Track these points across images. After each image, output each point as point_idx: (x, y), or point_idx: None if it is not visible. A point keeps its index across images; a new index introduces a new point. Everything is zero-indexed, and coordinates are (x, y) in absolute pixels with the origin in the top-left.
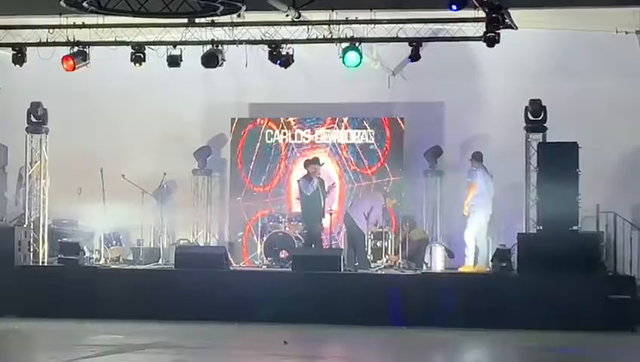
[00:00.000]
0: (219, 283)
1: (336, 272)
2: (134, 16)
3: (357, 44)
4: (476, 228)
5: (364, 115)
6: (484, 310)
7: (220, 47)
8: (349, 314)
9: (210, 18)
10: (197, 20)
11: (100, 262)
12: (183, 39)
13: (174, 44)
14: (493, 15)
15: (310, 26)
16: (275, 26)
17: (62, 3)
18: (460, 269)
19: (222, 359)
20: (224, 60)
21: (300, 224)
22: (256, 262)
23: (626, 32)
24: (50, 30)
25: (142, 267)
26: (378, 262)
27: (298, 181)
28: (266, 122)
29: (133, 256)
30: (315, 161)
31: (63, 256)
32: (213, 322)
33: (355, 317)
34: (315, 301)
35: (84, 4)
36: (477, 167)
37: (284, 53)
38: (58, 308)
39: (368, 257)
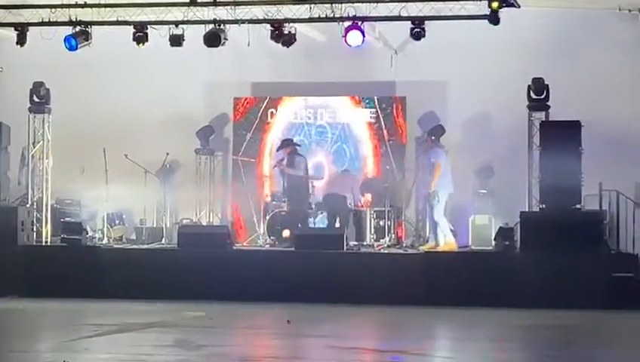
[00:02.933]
0: (222, 262)
1: (339, 251)
2: None
3: (359, 22)
4: (442, 206)
5: (367, 93)
6: (488, 288)
7: (222, 26)
8: (352, 293)
9: None
10: (199, 0)
11: (103, 242)
12: (185, 18)
13: (176, 23)
14: None
15: (312, 5)
16: (277, 5)
17: None
18: (429, 248)
19: (225, 338)
20: (226, 40)
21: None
22: (258, 242)
23: (629, 10)
24: (52, 10)
25: (145, 246)
26: (381, 240)
27: (282, 162)
28: (267, 100)
29: (136, 235)
30: (287, 142)
31: (65, 236)
32: (217, 301)
33: (359, 296)
34: (318, 280)
35: None
36: (439, 146)
37: (286, 32)
38: (61, 287)
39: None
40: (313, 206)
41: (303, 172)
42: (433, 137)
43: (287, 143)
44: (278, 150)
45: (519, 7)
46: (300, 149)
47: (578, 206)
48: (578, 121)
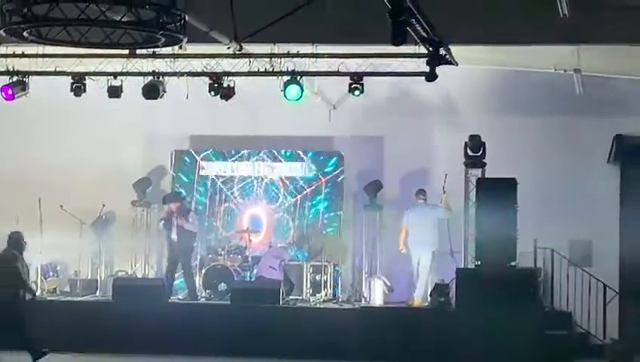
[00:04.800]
0: (157, 315)
1: (275, 305)
2: (75, 47)
3: (298, 77)
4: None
5: (305, 147)
6: (423, 345)
7: (161, 78)
8: (288, 347)
9: (152, 49)
10: (138, 51)
11: (37, 294)
12: (124, 70)
13: (115, 74)
14: (434, 51)
15: (252, 59)
16: (216, 58)
17: (1, 32)
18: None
19: None
20: (165, 92)
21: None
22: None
23: (565, 71)
24: None
25: (79, 299)
26: (317, 295)
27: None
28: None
29: (70, 287)
30: (174, 197)
31: None
32: (151, 355)
33: (294, 350)
34: (254, 334)
35: (25, 33)
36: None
37: (225, 85)
38: None
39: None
40: (250, 259)
41: (196, 229)
42: (419, 195)
43: (176, 198)
44: (165, 203)
45: (457, 64)
46: (188, 203)
47: (513, 263)
48: (514, 178)
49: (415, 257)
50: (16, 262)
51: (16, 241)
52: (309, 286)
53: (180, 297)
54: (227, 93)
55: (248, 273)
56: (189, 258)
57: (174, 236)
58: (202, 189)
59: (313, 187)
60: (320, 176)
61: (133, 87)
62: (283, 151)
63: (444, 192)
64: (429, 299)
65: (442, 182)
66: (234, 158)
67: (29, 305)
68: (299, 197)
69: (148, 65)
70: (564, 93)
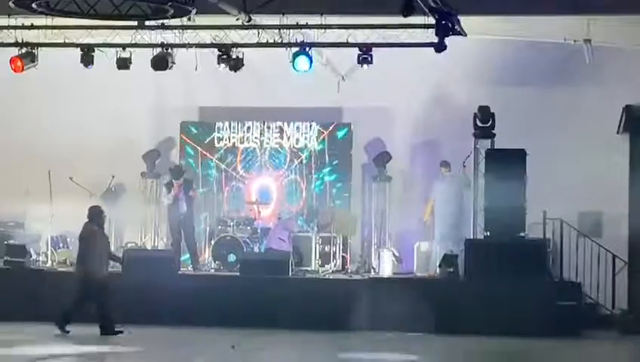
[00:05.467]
0: (166, 286)
1: (284, 276)
2: (84, 18)
3: (307, 48)
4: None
5: (314, 119)
6: (431, 315)
7: (169, 50)
8: (297, 318)
9: (161, 21)
10: (147, 23)
11: (47, 265)
12: (133, 42)
13: (124, 46)
14: (443, 22)
15: (261, 30)
16: (225, 30)
17: (10, 4)
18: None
19: None
20: (174, 63)
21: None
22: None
23: (574, 41)
24: None
25: None
26: (326, 266)
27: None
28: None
29: None
30: (177, 171)
31: (9, 258)
32: (160, 326)
33: (303, 321)
34: (263, 305)
35: (33, 5)
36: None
37: (234, 56)
38: (4, 310)
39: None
40: (259, 231)
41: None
42: (446, 166)
43: (180, 172)
44: (173, 178)
45: (466, 35)
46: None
47: (522, 234)
48: (523, 149)
49: (439, 228)
50: (94, 236)
51: (94, 215)
52: (318, 257)
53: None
54: (236, 65)
55: (257, 244)
56: (193, 228)
57: (184, 208)
58: (211, 162)
59: (321, 158)
60: (328, 148)
61: (142, 58)
62: (292, 123)
63: (464, 166)
64: (437, 270)
65: (452, 153)
66: (242, 129)
67: (107, 278)
68: (311, 165)
69: (157, 36)
70: (574, 64)
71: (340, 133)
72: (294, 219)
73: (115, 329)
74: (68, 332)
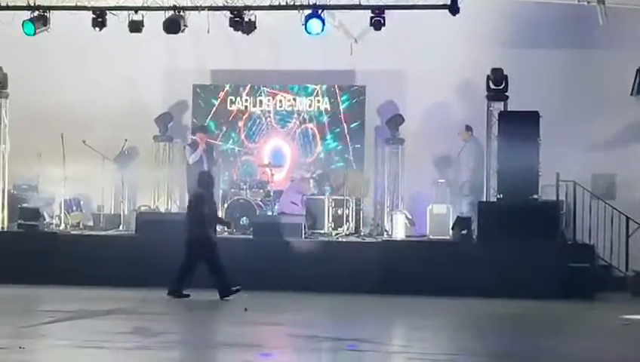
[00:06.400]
0: (180, 249)
1: (297, 239)
2: None
3: (320, 11)
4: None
5: (327, 82)
6: (445, 277)
7: (181, 12)
8: (310, 281)
9: None
10: None
11: (61, 228)
12: (145, 4)
13: (136, 9)
14: None
15: None
16: None
17: None
18: None
19: (183, 325)
20: (186, 26)
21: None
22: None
23: (588, 2)
24: None
25: (102, 233)
26: (339, 229)
27: (184, 147)
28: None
29: (93, 222)
30: (202, 128)
31: (22, 222)
32: None
33: (317, 284)
34: (276, 267)
35: None
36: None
37: (246, 19)
38: (18, 273)
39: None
40: (272, 194)
41: (195, 162)
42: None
43: (205, 129)
44: (199, 133)
45: None
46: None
47: (535, 196)
48: (536, 111)
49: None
50: (204, 200)
51: (204, 180)
52: (331, 220)
53: None
54: (248, 28)
55: (270, 207)
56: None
57: (206, 165)
58: (223, 124)
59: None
60: (341, 110)
61: (154, 21)
62: (304, 86)
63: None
64: (451, 232)
65: (465, 115)
66: (255, 92)
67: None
68: (324, 123)
69: None
70: (588, 26)
71: (352, 96)
72: (308, 181)
73: (184, 293)
74: (188, 296)
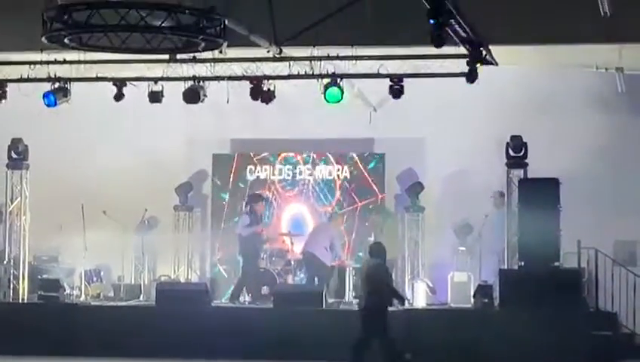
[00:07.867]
0: (200, 319)
1: (318, 308)
2: (116, 53)
3: (338, 80)
4: None
5: (346, 150)
6: (466, 346)
7: (201, 83)
8: (331, 351)
9: (192, 54)
10: (178, 56)
11: (81, 299)
12: (165, 75)
13: (156, 80)
14: (474, 52)
15: (292, 62)
16: (256, 62)
17: (43, 39)
18: None
19: None
20: (205, 96)
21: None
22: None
23: (606, 69)
24: (31, 66)
25: (123, 304)
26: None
27: (244, 214)
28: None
29: (114, 292)
30: (261, 197)
31: (43, 293)
32: (195, 359)
33: (338, 354)
34: (298, 337)
35: (66, 40)
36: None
37: (265, 89)
38: (38, 345)
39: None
40: (292, 263)
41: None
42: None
43: (255, 198)
44: (253, 202)
45: (497, 64)
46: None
47: (557, 263)
48: (556, 178)
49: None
50: (382, 271)
51: (380, 251)
52: (351, 288)
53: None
54: (267, 97)
55: (291, 276)
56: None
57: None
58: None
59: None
60: (361, 178)
61: (173, 91)
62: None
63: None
64: (472, 300)
65: (484, 183)
66: (275, 161)
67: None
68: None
69: (188, 70)
70: (607, 92)
71: (372, 164)
72: (335, 227)
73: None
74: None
